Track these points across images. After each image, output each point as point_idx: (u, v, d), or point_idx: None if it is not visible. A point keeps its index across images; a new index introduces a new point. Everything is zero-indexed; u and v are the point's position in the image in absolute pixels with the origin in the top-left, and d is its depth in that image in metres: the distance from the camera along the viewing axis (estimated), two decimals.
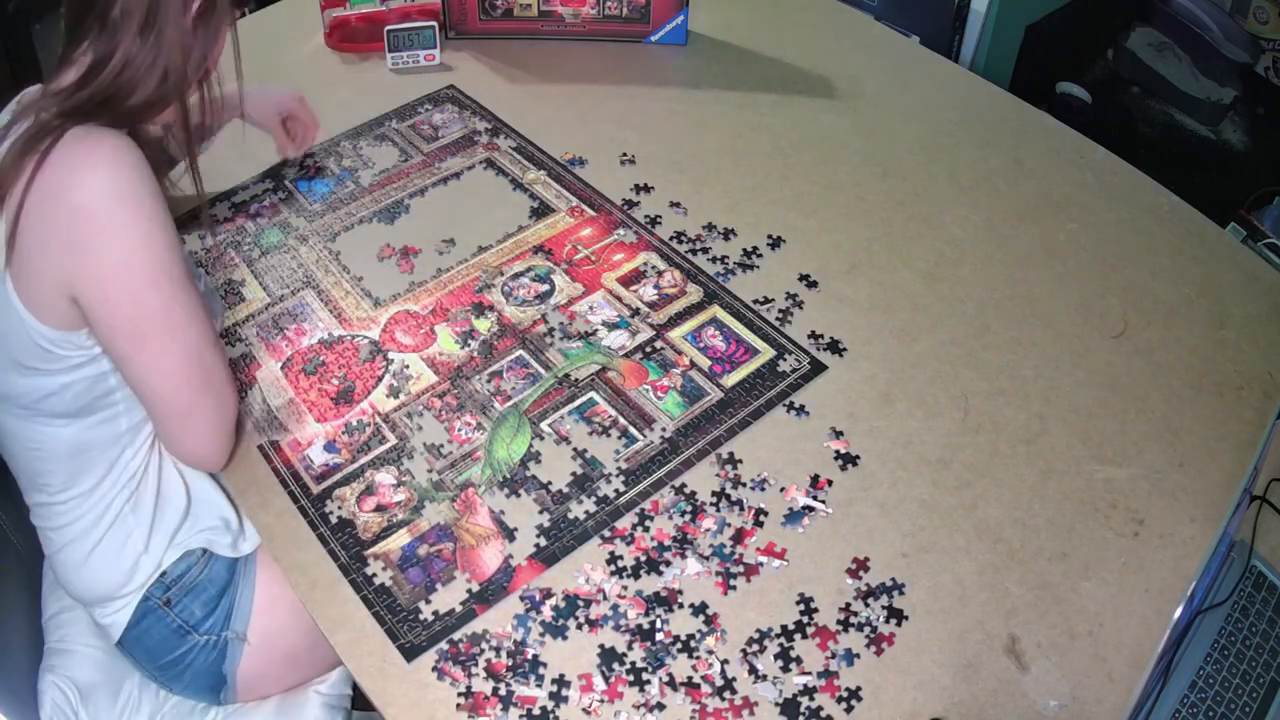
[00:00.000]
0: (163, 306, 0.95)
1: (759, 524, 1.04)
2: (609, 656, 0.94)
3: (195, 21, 0.97)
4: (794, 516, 1.05)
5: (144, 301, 0.94)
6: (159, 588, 1.07)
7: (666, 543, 1.02)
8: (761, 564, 1.01)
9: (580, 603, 0.98)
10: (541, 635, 0.95)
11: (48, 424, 1.01)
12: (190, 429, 1.03)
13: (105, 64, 0.93)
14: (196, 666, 1.08)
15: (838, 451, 1.10)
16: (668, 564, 1.01)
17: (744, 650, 0.95)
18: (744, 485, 1.07)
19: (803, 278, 1.29)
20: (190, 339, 0.98)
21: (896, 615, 0.97)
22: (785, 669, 0.93)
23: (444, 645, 0.95)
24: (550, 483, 1.07)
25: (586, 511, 1.05)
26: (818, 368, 1.18)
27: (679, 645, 0.95)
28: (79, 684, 1.10)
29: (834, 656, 0.94)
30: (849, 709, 0.91)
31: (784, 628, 0.96)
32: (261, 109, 1.37)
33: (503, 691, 0.91)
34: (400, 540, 1.02)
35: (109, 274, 0.92)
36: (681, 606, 0.98)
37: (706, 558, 1.01)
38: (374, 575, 1.00)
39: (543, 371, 1.17)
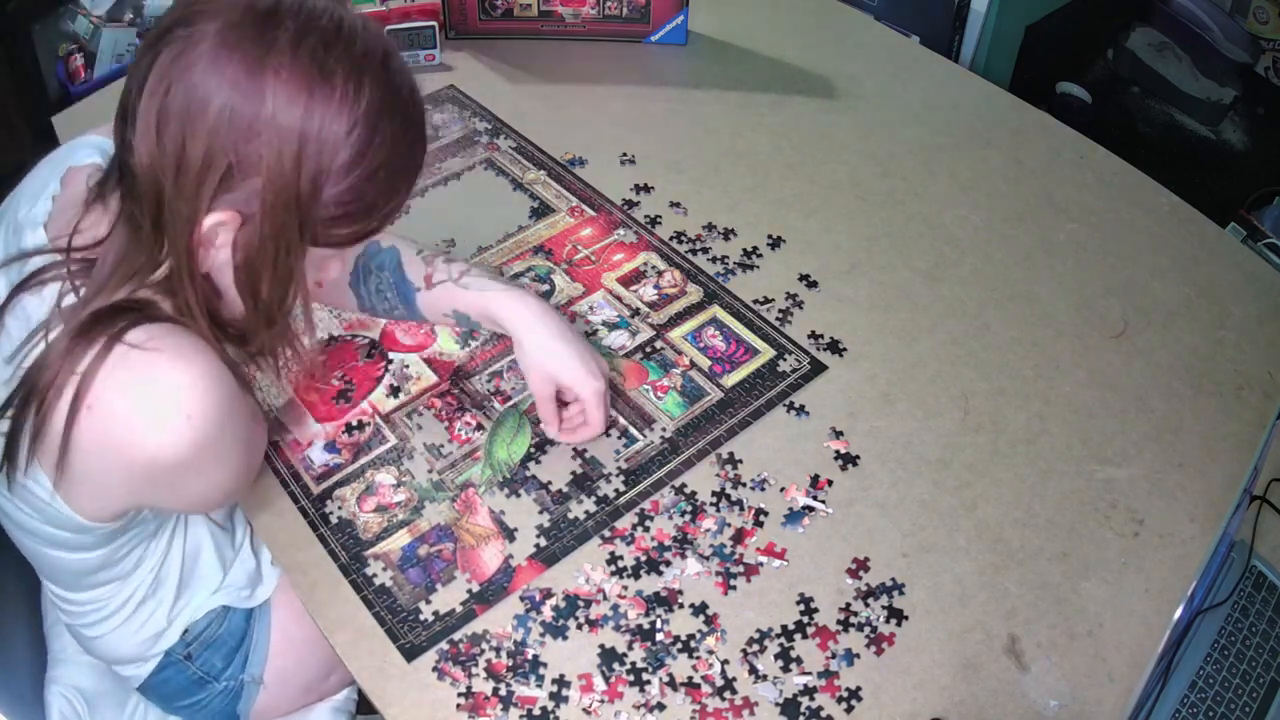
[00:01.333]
0: (221, 474, 0.88)
1: (759, 524, 1.04)
2: (609, 656, 0.94)
3: (234, 247, 0.76)
4: (794, 516, 1.05)
5: (203, 482, 0.87)
6: (180, 645, 1.05)
7: (666, 543, 1.02)
8: (761, 564, 1.01)
9: (580, 603, 0.98)
10: (541, 635, 0.95)
11: (63, 551, 0.93)
12: (221, 503, 1.01)
13: (129, 258, 0.77)
14: (212, 708, 1.08)
15: (838, 451, 1.10)
16: (668, 564, 1.01)
17: (744, 650, 0.95)
18: (744, 485, 1.07)
19: (803, 278, 1.29)
20: (239, 467, 0.90)
21: (896, 615, 0.97)
22: (785, 669, 0.93)
23: (444, 645, 0.95)
24: (550, 483, 1.07)
25: (586, 511, 1.05)
26: (818, 368, 1.18)
27: (679, 645, 0.95)
28: (85, 693, 1.10)
29: (834, 656, 0.94)
30: (849, 709, 0.91)
31: (784, 628, 0.96)
32: (535, 371, 1.05)
33: (503, 692, 0.92)
34: (400, 540, 1.02)
35: (184, 505, 0.91)
36: (681, 606, 0.98)
37: (706, 558, 1.01)
38: (374, 575, 1.00)
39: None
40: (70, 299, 0.77)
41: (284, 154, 0.71)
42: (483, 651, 0.94)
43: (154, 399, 0.77)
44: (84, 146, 0.91)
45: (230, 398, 0.81)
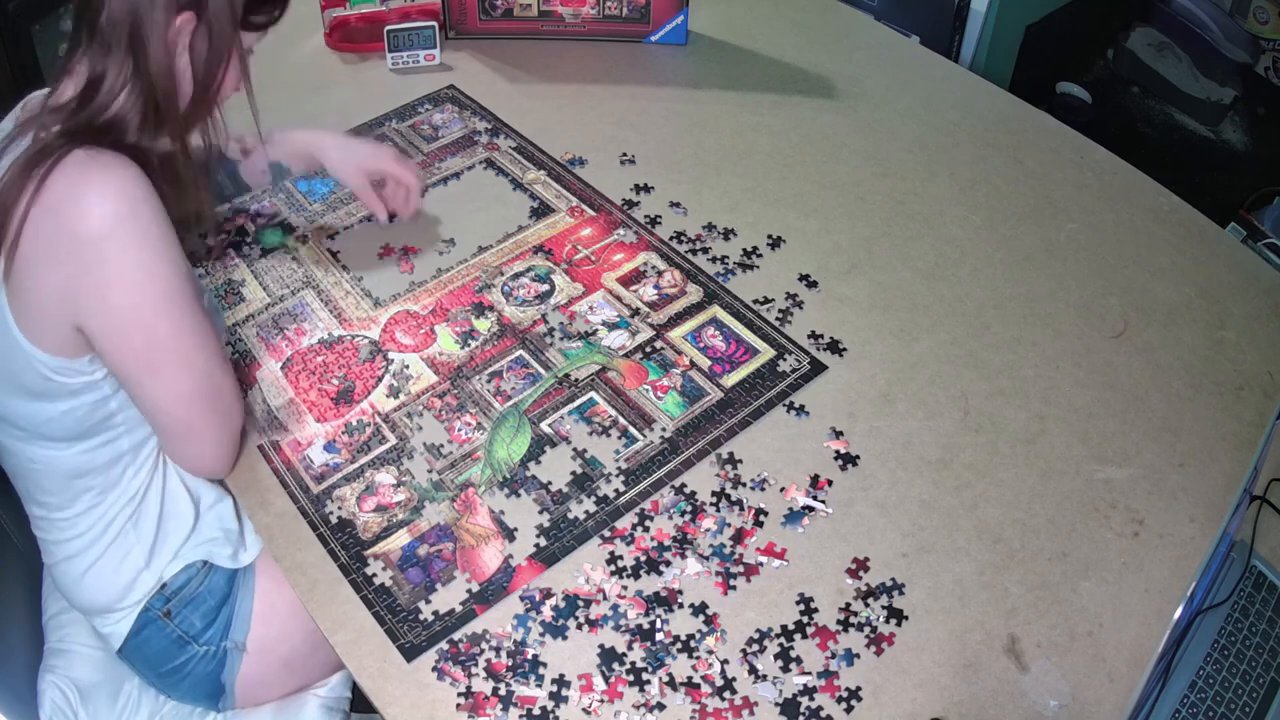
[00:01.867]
0: (173, 334, 0.95)
1: (759, 524, 1.04)
2: (609, 656, 0.94)
3: (189, 43, 0.93)
4: (794, 516, 1.05)
5: (154, 329, 0.94)
6: (159, 600, 1.07)
7: (666, 543, 1.02)
8: (761, 564, 1.01)
9: (580, 603, 0.98)
10: (541, 635, 0.95)
11: (48, 446, 1.00)
12: (197, 446, 1.03)
13: (97, 86, 0.91)
14: (195, 675, 1.08)
15: (838, 451, 1.10)
16: (668, 564, 1.01)
17: (744, 650, 0.95)
18: (744, 485, 1.07)
19: (803, 278, 1.29)
20: (200, 362, 0.98)
21: (896, 615, 0.97)
22: (785, 669, 0.93)
23: (444, 645, 0.95)
24: (550, 483, 1.07)
25: (586, 511, 1.05)
26: (818, 368, 1.19)
27: (679, 645, 0.95)
28: (79, 684, 1.10)
29: (834, 656, 0.94)
30: (849, 709, 0.91)
31: (784, 628, 0.96)
32: (343, 167, 1.29)
33: (503, 691, 0.91)
34: (400, 540, 1.02)
35: (116, 303, 0.91)
36: (681, 606, 0.98)
37: (706, 558, 1.01)
38: (374, 575, 1.00)
39: (543, 371, 1.17)
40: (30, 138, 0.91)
41: None
42: (482, 651, 0.94)
43: (85, 183, 0.88)
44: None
45: (159, 208, 0.92)
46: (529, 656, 0.94)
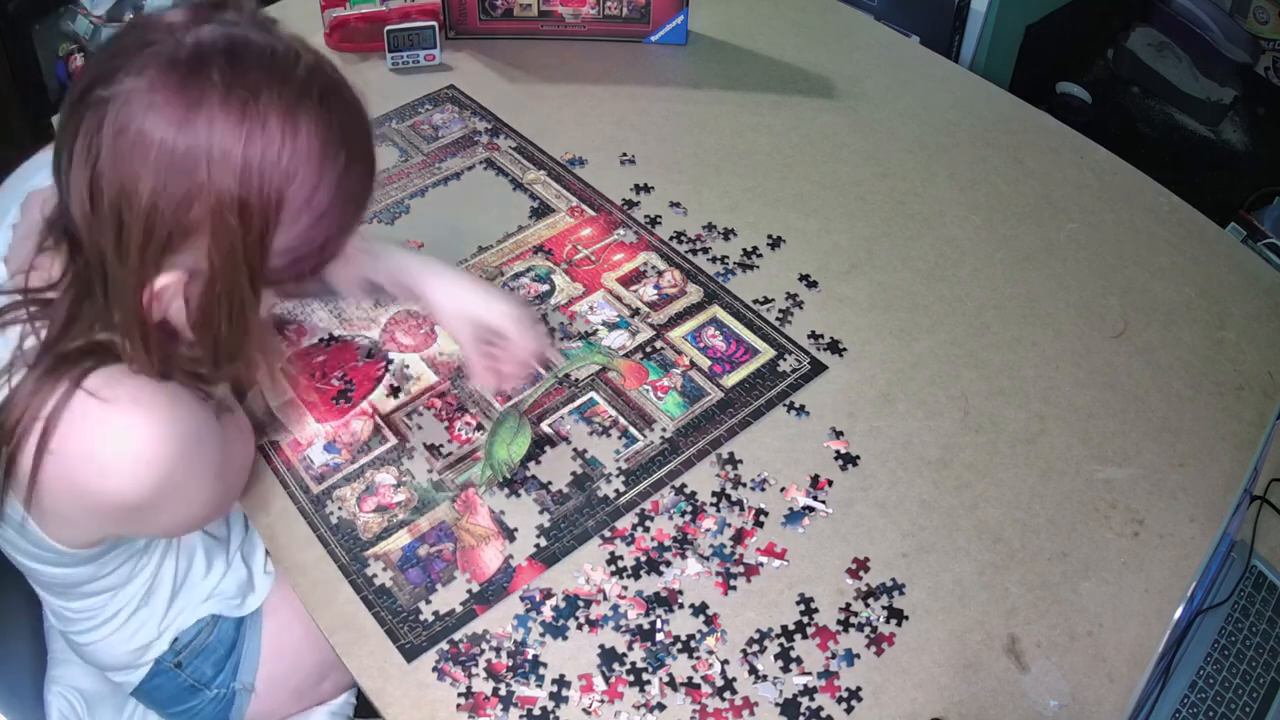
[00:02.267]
0: (200, 504, 0.89)
1: (759, 524, 1.04)
2: (609, 656, 0.94)
3: (185, 297, 0.74)
4: (794, 516, 1.05)
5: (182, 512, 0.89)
6: (169, 654, 1.05)
7: (666, 543, 1.02)
8: (761, 564, 1.01)
9: (580, 603, 0.98)
10: (541, 635, 0.95)
11: (56, 567, 0.93)
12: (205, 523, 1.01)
13: (75, 315, 0.76)
14: (205, 714, 1.08)
15: (838, 451, 1.10)
16: (668, 564, 1.01)
17: (744, 650, 0.95)
18: (744, 485, 1.07)
19: (803, 278, 1.29)
20: (217, 495, 0.91)
21: (896, 615, 0.97)
22: (785, 669, 0.93)
23: (444, 645, 0.95)
24: (550, 483, 1.07)
25: (587, 511, 1.05)
26: (818, 368, 1.18)
27: (679, 645, 0.95)
28: (85, 693, 1.10)
29: (834, 656, 0.94)
30: (849, 709, 0.91)
31: (784, 628, 0.96)
32: (454, 319, 1.05)
33: (503, 692, 0.91)
34: (400, 540, 1.02)
35: (162, 532, 0.91)
36: (681, 606, 0.98)
37: (706, 558, 1.01)
38: (374, 575, 1.00)
39: (543, 371, 1.17)
40: (31, 341, 0.77)
41: (226, 216, 0.69)
42: (483, 651, 0.94)
43: (112, 446, 0.76)
44: (43, 167, 0.85)
45: (193, 434, 0.80)
46: (529, 657, 0.94)
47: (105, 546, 0.92)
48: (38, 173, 0.88)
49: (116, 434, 0.76)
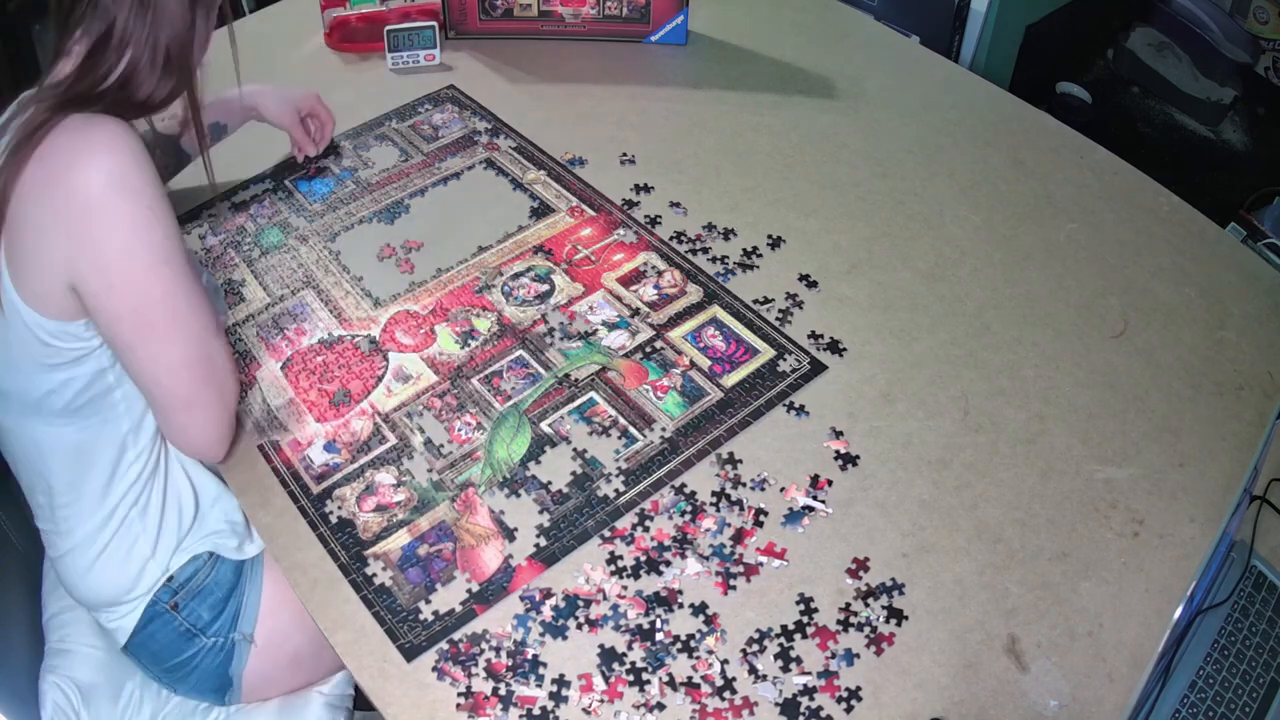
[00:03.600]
0: (165, 294, 0.95)
1: (759, 524, 1.04)
2: (609, 656, 0.94)
3: None
4: (794, 516, 1.05)
5: (147, 289, 0.94)
6: (166, 592, 1.07)
7: (666, 543, 1.02)
8: (761, 564, 1.01)
9: (580, 603, 0.98)
10: (541, 635, 0.95)
11: (48, 424, 1.00)
12: (193, 420, 1.02)
13: (105, 46, 0.91)
14: (203, 668, 1.08)
15: (838, 451, 1.10)
16: (668, 564, 1.01)
17: (744, 650, 0.95)
18: (744, 485, 1.07)
19: (803, 278, 1.29)
20: (194, 328, 0.98)
21: (896, 615, 0.97)
22: (785, 669, 0.93)
23: (444, 645, 0.95)
24: (550, 483, 1.07)
25: (586, 511, 1.05)
26: (818, 368, 1.19)
27: (679, 645, 0.95)
28: (80, 684, 1.10)
29: (834, 656, 0.94)
30: (849, 709, 0.91)
31: (784, 628, 0.96)
32: (280, 109, 1.37)
33: (503, 691, 0.91)
34: (400, 540, 1.02)
35: (111, 261, 0.92)
36: (681, 606, 0.98)
37: (706, 558, 1.01)
38: (374, 575, 1.00)
39: (543, 371, 1.17)
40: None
41: None
42: (482, 651, 0.94)
43: (79, 143, 0.90)
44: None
45: (151, 172, 0.93)
46: (529, 656, 0.94)
47: (86, 372, 0.98)
48: None
49: (93, 134, 0.90)
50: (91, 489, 1.04)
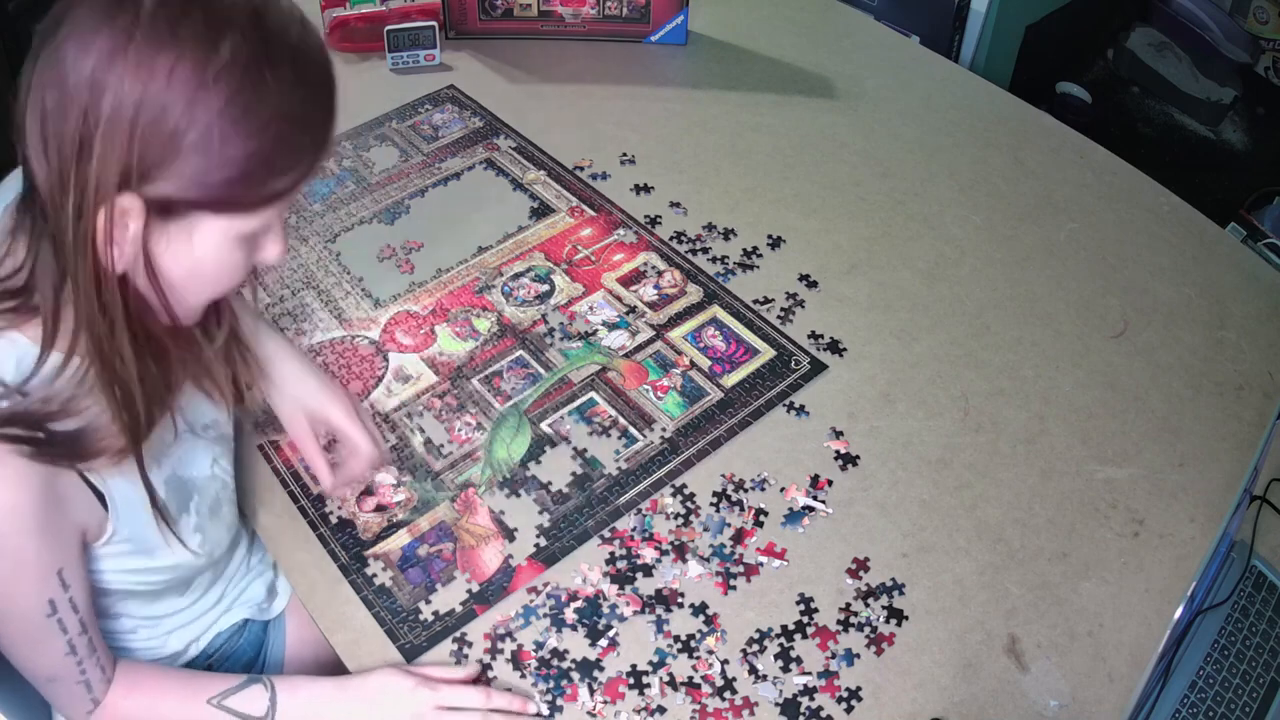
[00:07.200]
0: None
1: (759, 524, 1.04)
2: (609, 658, 0.94)
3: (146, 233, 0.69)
4: (794, 516, 1.05)
5: None
6: (201, 658, 1.04)
7: (665, 544, 1.02)
8: (761, 564, 1.01)
9: (580, 602, 0.98)
10: (543, 635, 0.95)
11: None
12: (55, 695, 0.89)
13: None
14: None
15: (838, 451, 1.10)
16: (667, 564, 1.00)
17: (744, 650, 0.95)
18: (744, 485, 1.07)
19: (803, 278, 1.29)
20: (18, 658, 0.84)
21: (896, 615, 0.97)
22: (785, 669, 0.93)
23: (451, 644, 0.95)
24: (550, 483, 1.07)
25: (586, 511, 1.05)
26: (818, 368, 1.18)
27: (679, 645, 0.95)
28: None
29: (834, 656, 0.94)
30: (849, 709, 0.91)
31: (784, 628, 0.96)
32: (287, 409, 1.01)
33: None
34: (400, 540, 1.02)
35: None
36: (681, 606, 0.98)
37: (706, 558, 1.01)
38: (374, 575, 1.00)
39: (543, 372, 1.17)
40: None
41: (145, 129, 0.65)
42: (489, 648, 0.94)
43: None
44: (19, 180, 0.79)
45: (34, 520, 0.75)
46: (529, 657, 0.94)
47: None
48: (9, 191, 0.85)
49: None
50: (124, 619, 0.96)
